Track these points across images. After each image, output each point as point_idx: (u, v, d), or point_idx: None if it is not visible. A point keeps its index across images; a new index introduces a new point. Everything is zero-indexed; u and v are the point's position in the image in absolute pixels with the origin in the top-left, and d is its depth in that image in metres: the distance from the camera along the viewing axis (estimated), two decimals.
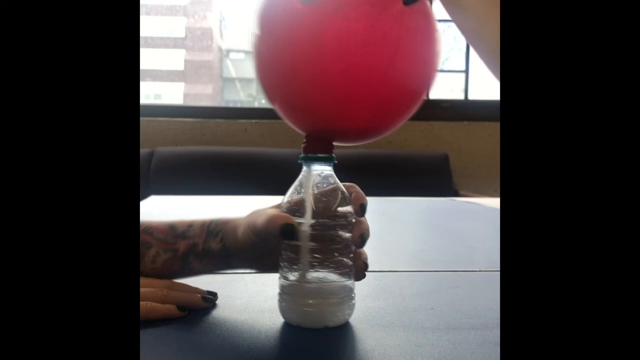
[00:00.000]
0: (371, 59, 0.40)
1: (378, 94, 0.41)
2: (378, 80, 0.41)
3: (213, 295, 0.48)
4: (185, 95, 4.18)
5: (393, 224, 1.13)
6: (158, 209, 1.24)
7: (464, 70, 2.71)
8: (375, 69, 0.40)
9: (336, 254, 0.43)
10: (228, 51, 4.41)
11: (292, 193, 0.44)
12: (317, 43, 0.40)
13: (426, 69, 0.43)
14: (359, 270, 0.45)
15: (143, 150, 2.33)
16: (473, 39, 0.42)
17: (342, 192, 0.44)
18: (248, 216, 0.46)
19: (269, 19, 0.43)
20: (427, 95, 0.45)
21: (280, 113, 0.45)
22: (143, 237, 0.47)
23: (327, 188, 0.44)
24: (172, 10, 4.06)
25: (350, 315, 0.44)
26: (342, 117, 0.43)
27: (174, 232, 0.48)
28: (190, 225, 0.48)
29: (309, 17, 0.40)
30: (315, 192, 0.44)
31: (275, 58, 0.42)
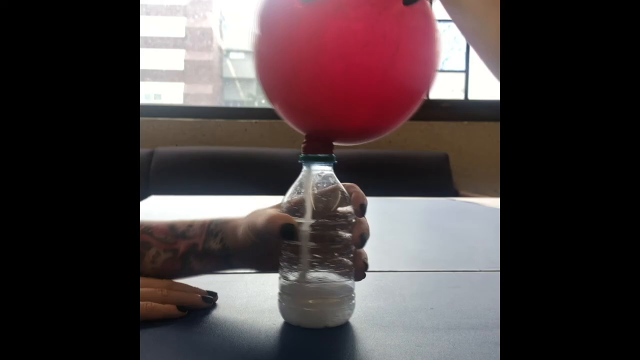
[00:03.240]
0: (371, 59, 0.40)
1: (378, 93, 0.41)
2: (378, 80, 0.41)
3: (213, 295, 0.48)
4: (185, 95, 4.18)
5: (393, 224, 1.13)
6: (158, 209, 1.24)
7: (464, 70, 2.71)
8: (375, 69, 0.40)
9: (336, 254, 0.43)
10: (228, 51, 4.41)
11: (292, 193, 0.44)
12: (317, 43, 0.40)
13: (426, 68, 0.43)
14: (359, 270, 0.45)
15: (143, 150, 2.33)
16: (473, 38, 0.42)
17: (342, 192, 0.44)
18: (248, 216, 0.46)
19: (269, 19, 0.43)
20: (427, 95, 0.45)
21: (280, 113, 0.45)
22: (143, 237, 0.47)
23: (327, 188, 0.44)
24: (172, 10, 4.05)
25: (350, 315, 0.44)
26: (342, 117, 0.43)
27: (174, 232, 0.48)
28: (190, 225, 0.48)
29: (309, 17, 0.40)
30: (315, 192, 0.44)
31: (275, 58, 0.42)
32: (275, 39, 0.42)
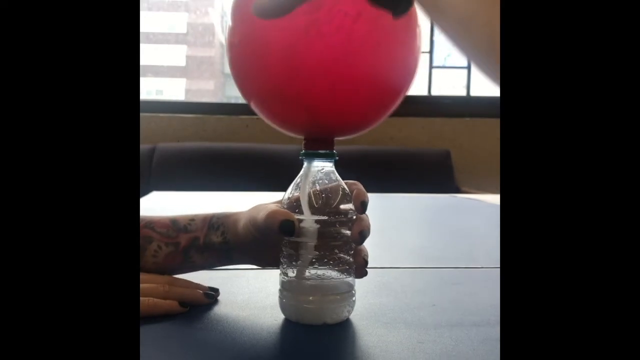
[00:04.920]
0: (353, 68, 0.39)
1: (364, 96, 0.41)
2: (362, 85, 0.40)
3: (215, 292, 0.48)
4: (187, 91, 4.19)
5: (395, 220, 1.13)
6: (159, 205, 1.24)
7: (466, 67, 2.71)
8: (359, 77, 0.40)
9: (336, 251, 0.43)
10: None
11: (293, 189, 0.44)
12: (296, 65, 0.39)
13: (408, 64, 0.43)
14: (359, 267, 0.45)
15: (144, 147, 2.33)
16: (459, 41, 0.41)
17: (343, 188, 0.44)
18: (249, 210, 0.46)
19: (239, 45, 0.42)
20: (408, 89, 0.45)
21: (272, 125, 0.45)
22: (145, 231, 0.47)
23: (328, 185, 0.44)
24: (173, 6, 4.05)
25: (350, 312, 0.44)
26: (333, 123, 0.43)
27: (176, 227, 0.48)
28: (192, 219, 0.48)
29: (281, 39, 0.39)
30: (316, 188, 0.44)
31: (255, 83, 0.42)
32: (250, 62, 0.42)
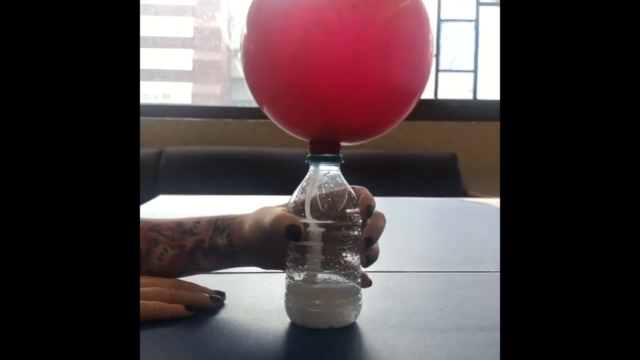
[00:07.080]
0: (362, 68, 0.39)
1: (373, 97, 0.41)
2: (371, 85, 0.40)
3: (221, 295, 0.49)
4: (194, 95, 4.20)
5: (401, 224, 1.13)
6: (166, 209, 1.24)
7: (472, 70, 2.70)
8: (368, 78, 0.40)
9: (343, 255, 0.43)
10: (236, 51, 4.42)
11: (299, 193, 0.44)
12: (306, 60, 0.39)
13: (419, 68, 0.42)
14: (364, 275, 0.45)
15: (151, 150, 2.34)
16: None
17: (349, 192, 0.44)
18: (255, 212, 0.46)
19: (255, 48, 0.42)
20: (421, 94, 0.45)
21: (279, 126, 0.45)
22: (151, 234, 0.48)
23: (334, 188, 0.44)
24: (180, 10, 4.07)
25: (356, 316, 0.44)
26: (343, 124, 0.42)
27: (182, 229, 0.48)
28: (197, 222, 0.49)
29: (293, 35, 0.39)
30: (322, 192, 0.44)
31: (271, 83, 0.42)
32: (264, 64, 0.42)
